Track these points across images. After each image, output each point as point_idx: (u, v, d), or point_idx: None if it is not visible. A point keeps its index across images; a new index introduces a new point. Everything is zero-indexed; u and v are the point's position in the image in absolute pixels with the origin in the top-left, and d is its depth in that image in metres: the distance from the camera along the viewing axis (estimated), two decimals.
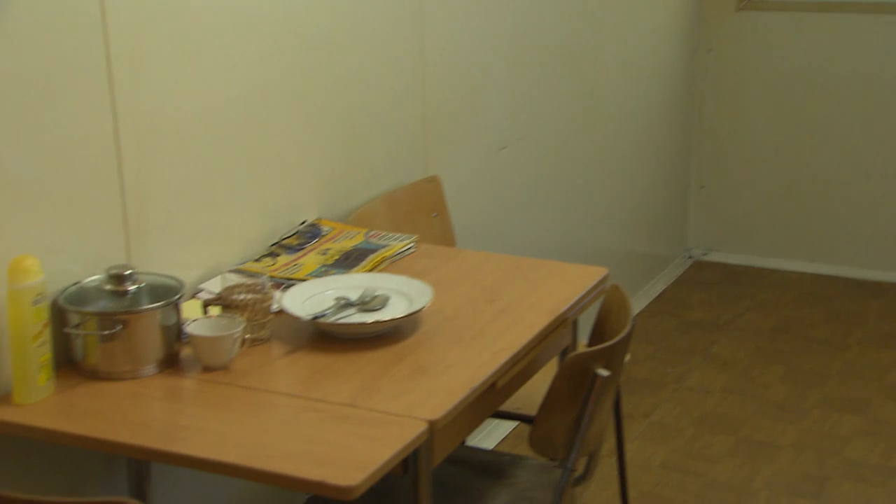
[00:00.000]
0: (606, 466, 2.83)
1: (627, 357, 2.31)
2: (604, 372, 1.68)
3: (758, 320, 3.88)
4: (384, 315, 1.77)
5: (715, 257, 4.45)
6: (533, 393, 2.03)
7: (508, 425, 3.03)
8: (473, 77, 2.76)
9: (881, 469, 2.89)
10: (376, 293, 1.83)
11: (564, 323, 1.89)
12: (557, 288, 1.97)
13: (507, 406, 2.12)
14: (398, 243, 2.13)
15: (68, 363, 1.63)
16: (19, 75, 1.56)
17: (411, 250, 2.14)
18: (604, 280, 2.02)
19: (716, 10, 4.19)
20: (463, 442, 2.26)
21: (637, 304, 3.95)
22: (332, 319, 1.74)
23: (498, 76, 2.87)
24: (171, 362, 1.66)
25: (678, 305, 4.03)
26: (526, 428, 2.38)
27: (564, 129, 3.29)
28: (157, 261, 1.81)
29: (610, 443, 2.73)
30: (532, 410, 1.79)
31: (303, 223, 2.18)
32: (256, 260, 2.02)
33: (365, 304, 1.80)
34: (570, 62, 3.27)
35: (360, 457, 1.42)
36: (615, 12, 3.50)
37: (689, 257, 4.48)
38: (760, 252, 4.37)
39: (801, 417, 3.17)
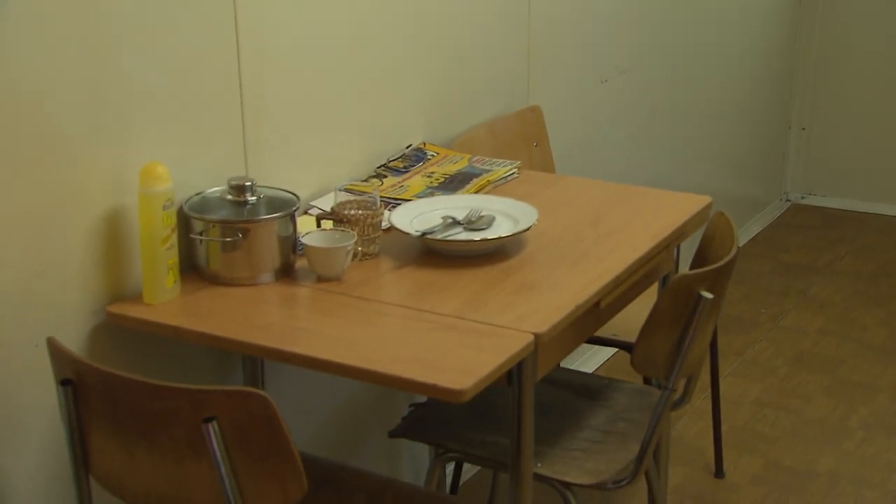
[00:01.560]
0: (699, 401, 2.85)
1: None
2: (708, 294, 1.69)
3: (857, 264, 3.81)
4: (490, 234, 1.81)
5: (813, 201, 4.38)
6: (632, 320, 2.05)
7: (605, 354, 3.06)
8: (578, 7, 2.75)
9: None
10: (482, 213, 1.87)
11: (668, 248, 1.91)
12: (661, 214, 1.98)
13: (605, 332, 2.15)
14: (501, 168, 2.17)
15: (192, 269, 1.72)
16: None
17: (514, 176, 2.17)
18: (707, 207, 2.02)
19: None
20: (558, 366, 2.31)
21: None
22: (440, 236, 1.79)
23: (603, 7, 2.86)
24: (287, 272, 1.73)
25: (774, 248, 3.98)
26: (623, 357, 2.42)
27: (665, 66, 3.25)
28: (271, 178, 1.87)
29: (703, 379, 2.74)
30: (631, 337, 1.81)
31: (408, 147, 2.23)
32: (364, 181, 2.08)
33: (471, 224, 1.84)
34: None
35: (468, 364, 1.47)
36: None
37: (787, 200, 4.41)
38: (861, 196, 4.27)
39: None
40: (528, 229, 1.81)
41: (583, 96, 2.85)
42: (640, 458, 1.78)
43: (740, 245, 3.90)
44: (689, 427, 2.80)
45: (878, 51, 4.10)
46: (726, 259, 1.74)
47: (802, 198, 4.41)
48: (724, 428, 2.65)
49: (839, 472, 2.60)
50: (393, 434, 1.91)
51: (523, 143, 2.50)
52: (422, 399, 2.02)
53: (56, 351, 1.42)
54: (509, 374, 1.56)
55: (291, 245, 1.74)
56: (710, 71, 3.53)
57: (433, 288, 1.70)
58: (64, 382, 1.41)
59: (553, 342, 1.61)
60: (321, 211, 1.88)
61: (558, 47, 2.70)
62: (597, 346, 2.87)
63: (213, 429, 1.31)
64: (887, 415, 2.85)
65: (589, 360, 3.03)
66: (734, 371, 3.08)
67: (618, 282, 1.75)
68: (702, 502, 2.52)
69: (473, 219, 1.86)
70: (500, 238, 1.79)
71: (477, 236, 1.80)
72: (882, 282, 3.67)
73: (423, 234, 1.79)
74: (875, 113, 4.16)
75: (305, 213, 1.93)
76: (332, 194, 1.89)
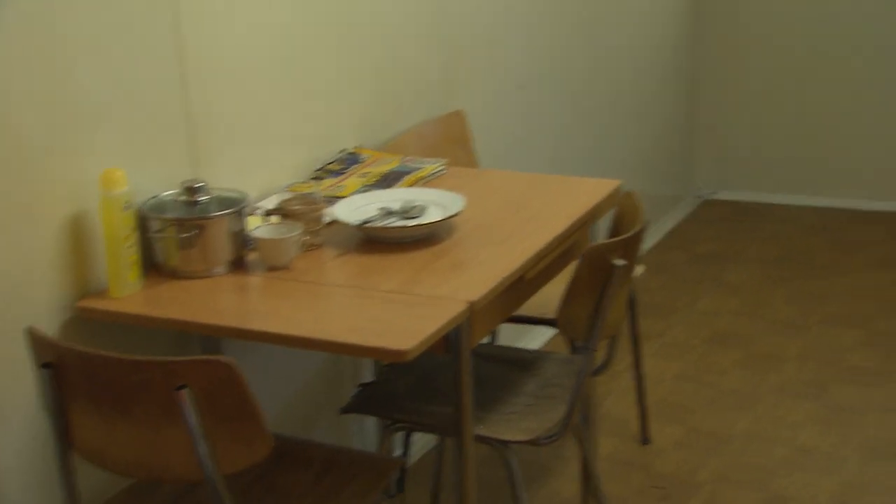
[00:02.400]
0: (624, 380, 3.06)
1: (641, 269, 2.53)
2: (620, 262, 1.90)
3: (765, 251, 4.09)
4: (423, 220, 1.99)
5: (723, 195, 4.66)
6: (557, 300, 2.26)
7: (543, 337, 3.26)
8: (495, 20, 2.97)
9: (879, 373, 3.12)
10: (415, 203, 2.06)
11: (584, 227, 2.12)
12: (576, 198, 2.19)
13: (537, 312, 2.34)
14: (430, 166, 2.36)
15: (152, 267, 1.87)
16: (99, 7, 1.79)
17: (442, 172, 2.37)
18: (617, 190, 2.24)
19: None
20: (495, 345, 2.50)
21: (648, 241, 4.17)
22: (378, 224, 1.97)
23: (517, 20, 3.08)
24: (239, 264, 1.89)
25: (688, 240, 4.24)
26: (559, 339, 2.59)
27: (578, 71, 3.49)
28: (218, 184, 2.03)
29: (626, 360, 2.97)
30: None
31: (342, 151, 2.41)
32: (303, 183, 2.25)
33: (406, 213, 2.03)
34: (584, 8, 3.47)
35: (410, 329, 1.64)
36: None
37: (698, 196, 4.69)
38: (767, 188, 4.58)
39: (805, 333, 3.40)
40: (456, 214, 2.00)
41: (503, 101, 3.07)
42: (568, 415, 1.98)
43: (658, 240, 4.18)
44: (616, 403, 3.01)
45: (769, 52, 4.41)
46: (635, 230, 1.95)
47: (712, 193, 4.69)
48: (648, 402, 2.87)
49: (753, 433, 2.84)
50: (345, 410, 2.07)
51: (449, 144, 2.70)
52: (368, 380, 2.19)
53: (36, 338, 1.57)
54: (447, 340, 1.74)
55: (242, 240, 1.90)
56: (620, 74, 3.79)
57: (374, 270, 1.88)
58: (45, 366, 1.55)
59: (485, 311, 1.79)
60: (267, 209, 2.05)
61: (478, 57, 2.92)
62: (535, 329, 3.08)
63: (186, 395, 1.47)
64: (794, 382, 3.10)
65: (528, 344, 3.23)
66: (655, 352, 3.31)
67: (539, 257, 1.95)
68: (632, 467, 2.73)
69: (407, 208, 2.04)
70: (432, 223, 1.98)
71: (411, 223, 1.98)
72: (786, 265, 3.95)
73: (363, 223, 1.97)
74: (773, 110, 4.47)
75: (251, 214, 2.09)
76: (275, 196, 2.06)
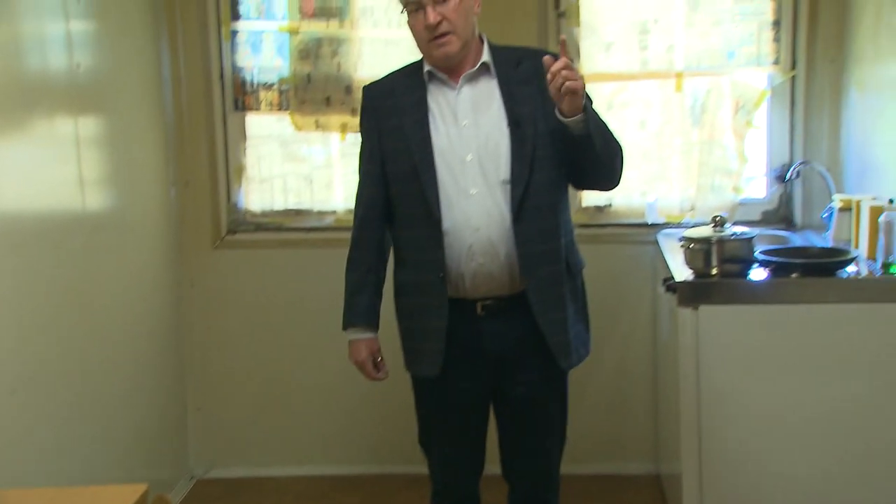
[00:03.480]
0: None
1: None
2: None
3: None
4: None
5: (217, 474, 4.77)
6: None
7: None
8: None
9: None
10: None
11: None
12: None
13: None
14: None
15: None
16: None
17: None
18: (146, 494, 2.26)
19: (194, 249, 4.68)
20: None
21: None
22: None
23: (4, 322, 3.01)
24: None
25: None
26: None
27: (72, 372, 3.46)
28: None
29: None
30: None
31: None
32: None
33: None
34: (64, 305, 3.49)
35: None
36: (102, 256, 3.81)
37: (192, 478, 4.74)
38: (258, 463, 4.78)
39: None
40: None
41: None
42: None
43: None
44: None
45: (251, 338, 4.74)
46: None
47: (206, 472, 4.77)
48: None
49: None
50: None
51: None
52: None
53: None
54: None
55: None
56: (108, 368, 3.80)
57: None
58: None
59: None
60: None
61: None
62: None
63: None
64: None
65: None
66: None
67: None
68: None
69: None
70: None
71: None
72: None
73: None
74: (257, 389, 4.77)
75: None
76: None
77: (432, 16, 2.96)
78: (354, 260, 3.23)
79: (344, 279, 3.23)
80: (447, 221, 3.01)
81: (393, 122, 3.10)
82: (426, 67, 3.10)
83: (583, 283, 3.24)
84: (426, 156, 3.02)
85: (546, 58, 2.84)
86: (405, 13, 3.04)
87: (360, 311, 3.20)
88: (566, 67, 2.80)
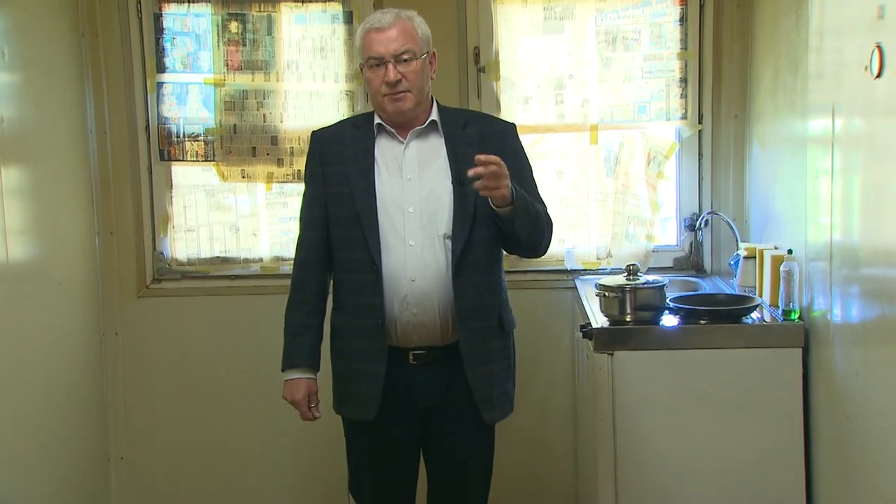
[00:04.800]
0: None
1: None
2: None
3: None
4: None
5: None
6: None
7: None
8: None
9: None
10: None
11: None
12: None
13: None
14: None
15: None
16: None
17: None
18: None
19: (117, 298, 4.66)
20: None
21: None
22: None
23: None
24: None
25: None
26: None
27: None
28: None
29: None
30: None
31: None
32: None
33: None
34: None
35: None
36: (24, 306, 3.80)
37: None
38: None
39: None
40: None
41: None
42: None
43: None
44: None
45: (176, 388, 4.72)
46: None
47: None
48: None
49: None
50: None
51: None
52: None
53: None
54: None
55: None
56: (26, 416, 3.77)
57: None
58: None
59: None
60: None
61: None
62: None
63: None
64: None
65: None
66: None
67: None
68: None
69: None
70: None
71: None
72: None
73: None
74: (182, 440, 4.75)
75: None
76: None
77: (393, 73, 3.07)
78: (295, 301, 3.29)
79: (284, 319, 3.29)
80: (385, 269, 3.10)
81: (338, 168, 3.19)
82: (376, 120, 3.20)
83: (513, 343, 3.35)
84: (369, 203, 3.12)
85: (477, 157, 2.93)
86: (364, 67, 3.13)
87: (302, 353, 3.26)
88: (490, 175, 2.90)
